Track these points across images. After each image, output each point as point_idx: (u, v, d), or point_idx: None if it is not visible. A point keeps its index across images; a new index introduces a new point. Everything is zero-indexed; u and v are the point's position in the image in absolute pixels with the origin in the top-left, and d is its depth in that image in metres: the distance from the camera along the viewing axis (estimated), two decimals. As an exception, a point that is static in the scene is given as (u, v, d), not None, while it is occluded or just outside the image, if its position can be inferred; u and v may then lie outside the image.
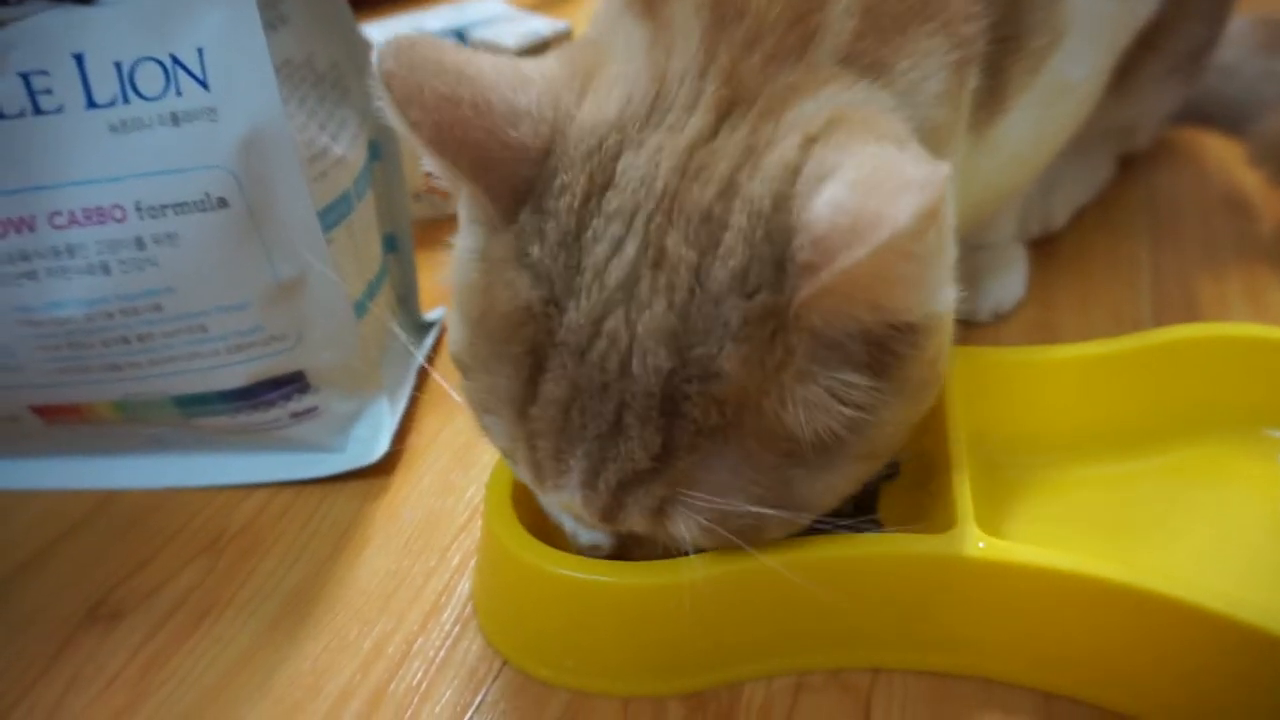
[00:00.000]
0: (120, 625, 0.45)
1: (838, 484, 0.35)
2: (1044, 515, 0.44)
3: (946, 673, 0.39)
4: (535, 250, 0.33)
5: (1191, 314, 0.58)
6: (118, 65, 0.43)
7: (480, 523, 0.47)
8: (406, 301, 0.60)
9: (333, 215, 0.49)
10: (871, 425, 0.34)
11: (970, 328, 0.57)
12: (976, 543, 0.37)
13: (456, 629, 0.43)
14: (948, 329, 0.36)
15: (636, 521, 0.34)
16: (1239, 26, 0.72)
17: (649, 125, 0.34)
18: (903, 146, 0.34)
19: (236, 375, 0.48)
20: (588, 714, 0.39)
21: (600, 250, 0.32)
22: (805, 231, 0.30)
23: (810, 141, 0.32)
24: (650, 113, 0.34)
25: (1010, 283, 0.60)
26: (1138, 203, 0.70)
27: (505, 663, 0.41)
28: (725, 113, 0.34)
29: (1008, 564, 0.36)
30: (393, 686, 0.41)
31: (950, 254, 0.36)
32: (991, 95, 0.43)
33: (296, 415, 0.50)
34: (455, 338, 0.37)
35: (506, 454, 0.37)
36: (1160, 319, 0.58)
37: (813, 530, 0.38)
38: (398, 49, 0.33)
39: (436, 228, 0.72)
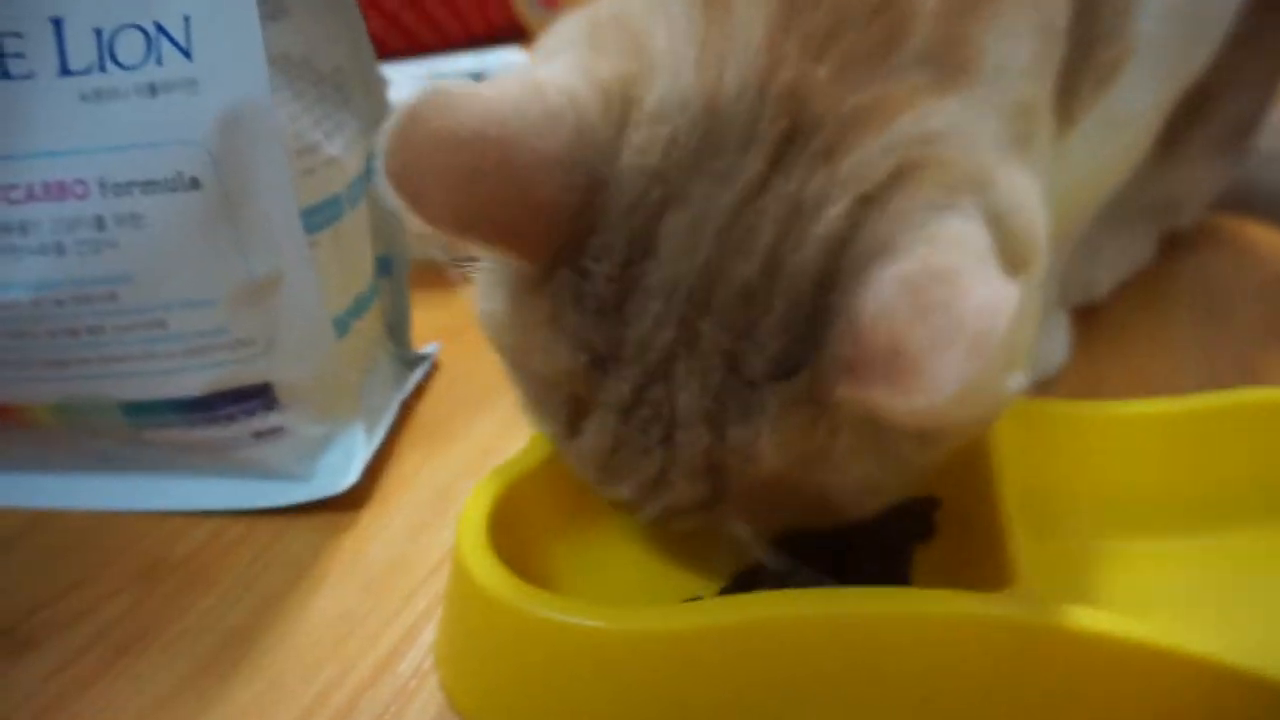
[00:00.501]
0: (27, 656, 0.39)
1: (876, 503, 0.34)
2: (1104, 588, 0.38)
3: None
4: (573, 315, 0.30)
5: (1255, 383, 0.53)
6: (98, 32, 0.39)
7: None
8: (397, 330, 0.56)
9: (319, 217, 0.44)
10: (913, 468, 0.32)
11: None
12: (1040, 604, 0.31)
13: (413, 683, 0.37)
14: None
15: (690, 527, 0.34)
16: (1281, 116, 0.70)
17: (696, 172, 0.29)
18: (981, 185, 0.29)
19: (194, 382, 0.43)
20: (560, 789, 0.32)
21: (641, 326, 0.30)
22: (848, 322, 0.27)
23: (865, 203, 0.28)
24: (698, 154, 0.29)
25: (1054, 346, 0.55)
26: (1185, 282, 0.66)
27: (466, 723, 0.35)
28: (782, 152, 0.29)
29: (1081, 632, 0.30)
30: (331, 744, 0.34)
31: (1032, 266, 0.31)
32: (1064, 99, 0.39)
33: (259, 435, 0.45)
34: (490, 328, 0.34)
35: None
36: (1219, 387, 0.52)
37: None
38: (402, 135, 0.27)
39: (440, 270, 0.69)
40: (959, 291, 0.25)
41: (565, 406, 0.32)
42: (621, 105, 0.30)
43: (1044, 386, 0.54)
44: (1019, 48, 0.33)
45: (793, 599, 0.32)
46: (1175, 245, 0.68)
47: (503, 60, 0.81)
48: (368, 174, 0.50)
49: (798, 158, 0.28)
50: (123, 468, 0.47)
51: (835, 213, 0.28)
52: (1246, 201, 0.72)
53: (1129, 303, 0.62)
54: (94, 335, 0.41)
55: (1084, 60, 0.40)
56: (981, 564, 0.35)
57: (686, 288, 0.29)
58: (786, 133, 0.29)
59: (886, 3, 0.30)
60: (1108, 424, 0.42)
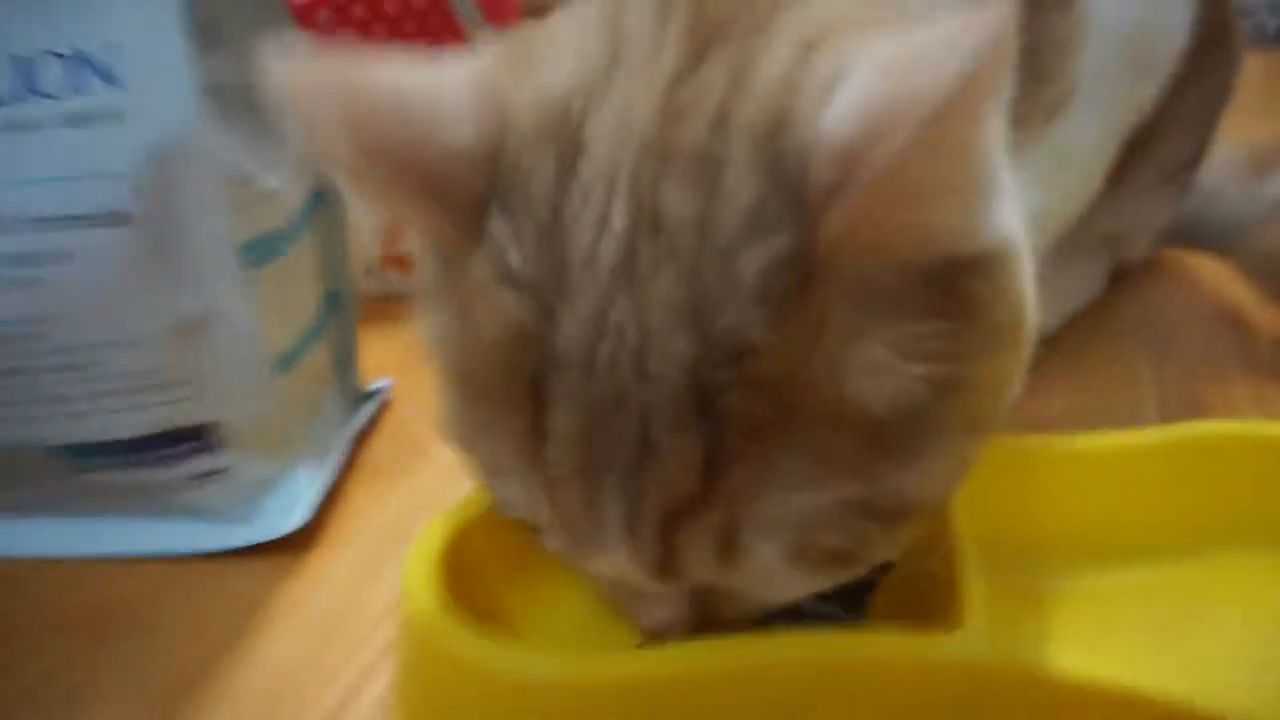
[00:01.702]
0: (-50, 716, 0.37)
1: (939, 468, 0.28)
2: (1047, 627, 0.38)
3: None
4: (514, 258, 0.27)
5: (1200, 416, 0.54)
6: (15, 59, 0.38)
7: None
8: (344, 366, 0.55)
9: (258, 252, 0.43)
10: (960, 385, 0.27)
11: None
12: (992, 645, 0.31)
13: (361, 734, 0.36)
14: (1020, 255, 0.29)
15: (699, 565, 0.28)
16: (1221, 153, 0.73)
17: (611, 79, 0.27)
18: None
19: (129, 424, 0.41)
20: (509, 847, 0.31)
21: (585, 231, 0.26)
22: (823, 148, 0.24)
23: (807, 48, 0.26)
24: (610, 67, 0.28)
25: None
26: (1134, 315, 0.67)
27: (415, 780, 0.34)
28: (702, 44, 0.28)
29: (1028, 674, 0.30)
30: (271, 804, 0.33)
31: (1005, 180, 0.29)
32: (1013, 131, 0.40)
33: (199, 477, 0.44)
34: (445, 413, 0.31)
35: (535, 527, 0.30)
36: (1166, 419, 0.53)
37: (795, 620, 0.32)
38: (288, 64, 0.26)
39: (390, 304, 0.68)
40: (935, 36, 0.23)
41: (527, 399, 0.27)
42: (520, 59, 0.29)
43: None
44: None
45: (745, 645, 0.31)
46: (1123, 278, 0.70)
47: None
48: (312, 206, 0.49)
49: (724, 42, 0.27)
50: (56, 513, 0.45)
51: (780, 56, 0.26)
52: (1191, 234, 0.74)
53: (1079, 335, 0.63)
54: (21, 377, 0.40)
55: (1027, 100, 0.40)
56: (935, 603, 0.35)
57: (631, 170, 0.26)
58: (703, 28, 0.28)
59: None
60: (1056, 460, 0.42)
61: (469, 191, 0.27)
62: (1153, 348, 0.62)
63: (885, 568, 0.39)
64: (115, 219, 0.38)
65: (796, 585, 0.30)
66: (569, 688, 0.31)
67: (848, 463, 0.27)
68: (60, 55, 0.38)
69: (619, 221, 0.26)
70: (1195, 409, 0.55)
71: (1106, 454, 0.42)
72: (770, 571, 0.28)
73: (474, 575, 0.37)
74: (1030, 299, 0.30)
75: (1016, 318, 0.29)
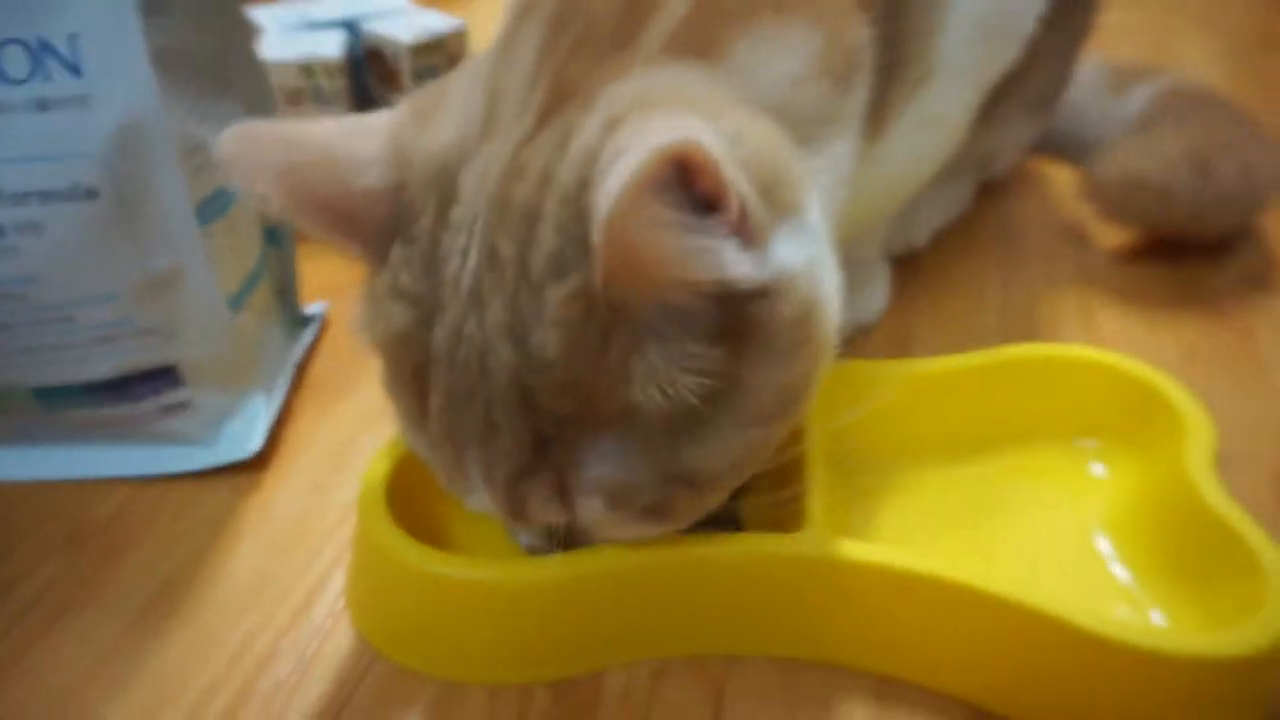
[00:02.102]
0: (-31, 623, 0.44)
1: (730, 452, 0.35)
2: (891, 516, 0.48)
3: (794, 659, 0.42)
4: (404, 278, 0.35)
5: (1032, 330, 0.63)
6: (-20, 47, 0.41)
7: (354, 520, 0.48)
8: (285, 295, 0.60)
9: (211, 209, 0.48)
10: (740, 392, 0.34)
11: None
12: (824, 542, 0.40)
13: (328, 624, 0.44)
14: (811, 286, 0.35)
15: (542, 512, 0.36)
16: (1088, 69, 0.79)
17: (484, 138, 0.36)
18: (709, 114, 0.33)
19: (103, 368, 0.47)
20: (457, 703, 0.40)
21: (453, 263, 0.35)
22: (594, 212, 0.30)
23: (612, 124, 0.32)
24: (485, 127, 0.36)
25: (874, 297, 0.64)
26: (992, 227, 0.75)
27: (376, 658, 0.42)
28: (549, 112, 0.35)
29: (850, 561, 0.39)
30: (261, 682, 0.41)
31: (802, 214, 0.36)
32: (876, 115, 0.46)
33: (166, 409, 0.50)
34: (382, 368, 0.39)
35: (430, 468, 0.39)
36: (1006, 334, 0.62)
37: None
38: (234, 133, 0.34)
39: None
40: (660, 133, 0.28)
41: (414, 382, 0.36)
42: (425, 115, 0.37)
43: (865, 331, 0.63)
44: (778, 60, 0.38)
45: (636, 549, 0.40)
46: (987, 192, 0.78)
47: (377, 4, 0.81)
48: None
49: (563, 111, 0.35)
50: (33, 440, 0.50)
51: (589, 132, 0.33)
52: (1051, 146, 0.81)
53: (943, 251, 0.71)
54: (4, 331, 0.45)
55: (893, 80, 0.47)
56: (792, 505, 0.44)
57: (483, 217, 0.34)
58: (553, 98, 0.35)
59: (630, 10, 0.37)
60: (893, 380, 0.51)
61: (377, 223, 0.36)
62: (1002, 264, 0.70)
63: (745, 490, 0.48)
64: (83, 194, 0.42)
65: (629, 530, 0.37)
66: (491, 585, 0.40)
67: (648, 447, 0.34)
68: (24, 43, 0.41)
69: (473, 258, 0.34)
70: (1030, 323, 0.64)
71: (932, 375, 0.51)
72: (594, 517, 0.35)
73: (417, 493, 0.44)
74: (821, 317, 0.36)
75: (801, 337, 0.35)
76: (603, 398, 0.33)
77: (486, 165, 0.35)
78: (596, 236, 0.29)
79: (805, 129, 0.40)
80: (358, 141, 0.36)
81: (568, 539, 0.39)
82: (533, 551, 0.41)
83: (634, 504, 0.35)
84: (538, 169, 0.34)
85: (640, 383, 0.32)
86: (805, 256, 0.35)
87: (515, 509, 0.36)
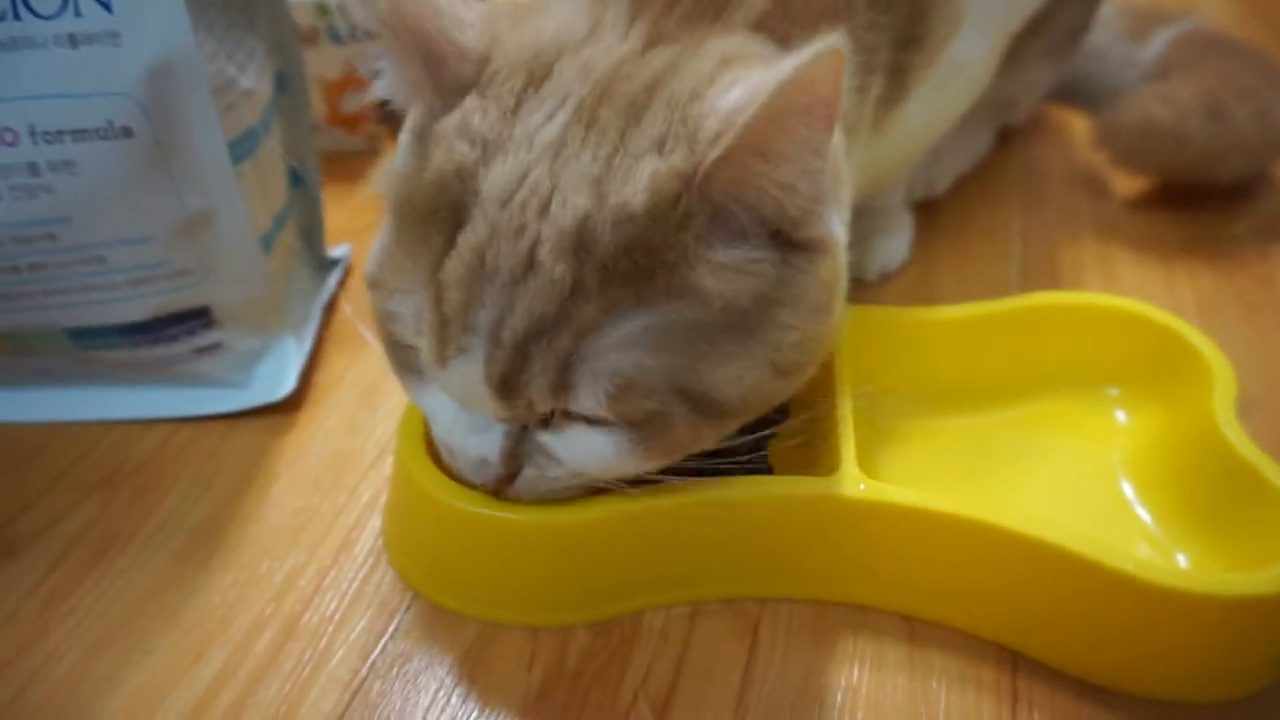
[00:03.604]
0: (17, 560, 0.44)
1: (745, 379, 0.36)
2: (916, 460, 0.48)
3: (826, 600, 0.43)
4: (476, 120, 0.36)
5: (1053, 278, 0.63)
6: (8, -22, 0.40)
7: (391, 461, 0.49)
8: (311, 237, 0.59)
9: (241, 149, 0.48)
10: (772, 322, 0.36)
11: (858, 286, 0.61)
12: (858, 485, 0.41)
13: (369, 562, 0.45)
14: (840, 261, 0.39)
15: (536, 391, 0.35)
16: (1109, 13, 0.78)
17: (586, 43, 0.38)
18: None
19: (137, 309, 0.47)
20: (499, 641, 0.41)
21: (534, 120, 0.36)
22: (713, 113, 0.34)
23: (725, 62, 0.37)
24: (587, 37, 0.38)
25: (896, 244, 0.64)
26: (1013, 174, 0.75)
27: (418, 594, 0.43)
28: (653, 42, 0.38)
29: (883, 504, 0.40)
30: (306, 618, 0.42)
31: (843, 189, 0.41)
32: (892, 93, 0.47)
33: (199, 351, 0.50)
34: (374, 251, 0.39)
35: (413, 335, 0.37)
36: (1026, 282, 0.63)
37: (709, 473, 0.41)
38: None
39: (338, 161, 0.71)
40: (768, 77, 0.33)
41: (448, 220, 0.35)
42: (522, 13, 0.39)
43: (889, 278, 0.63)
44: None
45: (672, 490, 0.40)
46: (1006, 139, 0.77)
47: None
48: (277, 97, 0.53)
49: (668, 47, 0.38)
50: (67, 382, 0.51)
51: (708, 59, 0.37)
52: (1071, 92, 0.80)
53: (964, 197, 0.71)
54: (36, 272, 0.44)
55: (916, 52, 0.47)
56: (821, 450, 0.45)
57: (579, 96, 0.36)
58: (654, 36, 0.39)
59: None
60: (926, 326, 0.52)
61: (459, 76, 0.37)
62: (1022, 210, 0.71)
63: (780, 420, 0.49)
64: (118, 132, 0.42)
65: (598, 452, 0.37)
66: (531, 526, 0.40)
67: (674, 340, 0.35)
68: (52, -25, 0.40)
69: (559, 120, 0.36)
70: (1050, 270, 0.64)
71: (958, 321, 0.52)
72: (588, 402, 0.35)
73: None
74: (840, 292, 0.40)
75: (823, 300, 0.38)
76: (660, 271, 0.34)
77: (590, 61, 0.37)
78: (736, 123, 0.33)
79: (843, 134, 0.42)
80: (460, 5, 0.38)
81: (509, 475, 0.38)
82: (480, 471, 0.38)
83: (632, 407, 0.35)
84: (646, 77, 0.37)
85: (702, 268, 0.35)
86: (843, 235, 0.39)
87: (510, 378, 0.35)
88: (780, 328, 0.36)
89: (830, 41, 0.31)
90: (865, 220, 0.61)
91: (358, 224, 0.66)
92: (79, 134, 0.42)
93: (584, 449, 0.37)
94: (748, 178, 0.34)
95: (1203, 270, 0.64)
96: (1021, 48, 0.65)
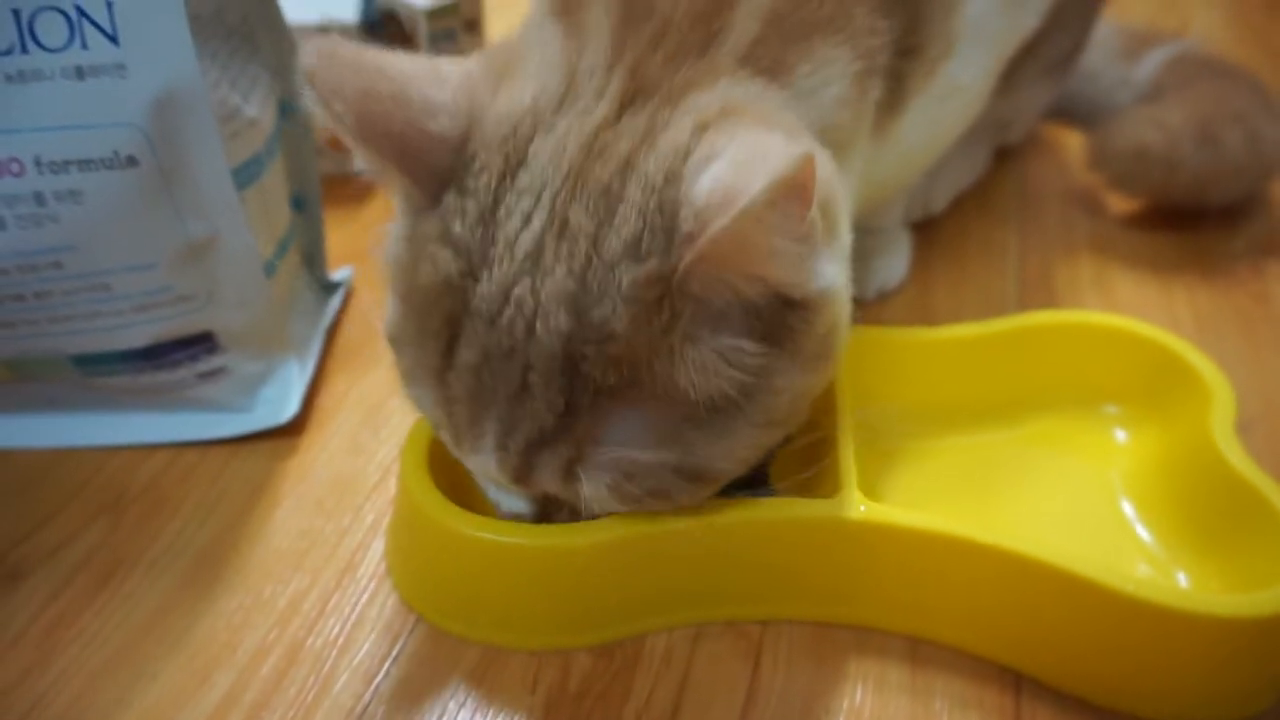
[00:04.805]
0: (22, 586, 0.44)
1: (737, 449, 0.38)
2: (916, 480, 0.49)
3: (828, 622, 0.43)
4: (456, 227, 0.36)
5: (1049, 297, 0.64)
6: (15, 12, 0.41)
7: (394, 484, 0.49)
8: (313, 261, 0.60)
9: (244, 176, 0.48)
10: (764, 392, 0.36)
11: (856, 305, 0.61)
12: (858, 506, 0.41)
13: (373, 585, 0.45)
14: (840, 306, 0.39)
15: (548, 481, 0.37)
16: (1103, 34, 0.79)
17: (560, 112, 0.37)
18: (790, 135, 0.36)
19: (141, 335, 0.47)
20: (502, 664, 0.41)
21: (513, 224, 0.35)
22: (689, 205, 0.33)
23: (702, 127, 0.35)
24: (561, 101, 0.37)
25: (894, 264, 0.64)
26: (1009, 193, 0.76)
27: (421, 617, 0.43)
28: (629, 101, 0.37)
29: (885, 525, 0.41)
30: (310, 642, 0.42)
31: (841, 238, 0.39)
32: (891, 99, 0.47)
33: (203, 376, 0.50)
34: (388, 315, 0.39)
35: (433, 423, 0.39)
36: (1024, 301, 0.63)
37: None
38: (319, 49, 0.34)
39: (340, 185, 0.72)
40: (767, 149, 0.33)
41: (444, 331, 0.36)
42: (499, 76, 0.38)
43: (887, 297, 0.64)
44: (830, 85, 0.41)
45: (677, 515, 0.40)
46: (1002, 158, 0.78)
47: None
48: (280, 125, 0.53)
49: (645, 104, 0.37)
50: (72, 408, 0.51)
51: (682, 128, 0.35)
52: (1067, 111, 0.81)
53: (961, 216, 0.72)
54: (41, 299, 0.45)
55: (911, 61, 0.47)
56: (822, 471, 0.45)
57: (554, 188, 0.35)
58: (633, 90, 0.37)
59: (704, 19, 0.38)
60: (925, 345, 0.52)
61: (437, 168, 0.36)
62: (1019, 229, 0.71)
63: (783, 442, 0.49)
64: (123, 162, 0.42)
65: (613, 506, 0.38)
66: (534, 550, 0.40)
67: (668, 433, 0.36)
68: (61, 11, 0.41)
69: (536, 223, 0.35)
70: (1047, 289, 0.65)
71: (956, 341, 0.52)
72: (594, 493, 0.37)
73: (449, 465, 0.44)
74: (841, 335, 0.39)
75: (821, 350, 0.38)
76: (648, 376, 0.35)
77: (563, 139, 0.36)
78: (711, 229, 0.31)
79: (840, 146, 0.42)
80: (430, 85, 0.36)
81: (546, 507, 0.40)
82: (511, 518, 0.41)
83: (636, 487, 0.37)
84: (621, 154, 0.35)
85: (689, 367, 0.34)
86: (841, 278, 0.39)
87: (522, 475, 0.37)
88: (773, 393, 0.37)
89: (800, 148, 0.31)
90: (863, 240, 0.61)
91: (360, 247, 0.67)
92: (85, 164, 0.42)
93: (601, 506, 0.38)
94: (728, 273, 0.34)
95: (1200, 288, 0.65)
96: (1017, 68, 0.66)
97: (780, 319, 0.36)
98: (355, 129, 0.34)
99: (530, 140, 0.36)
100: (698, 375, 0.34)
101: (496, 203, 0.35)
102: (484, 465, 0.38)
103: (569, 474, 0.37)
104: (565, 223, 0.35)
